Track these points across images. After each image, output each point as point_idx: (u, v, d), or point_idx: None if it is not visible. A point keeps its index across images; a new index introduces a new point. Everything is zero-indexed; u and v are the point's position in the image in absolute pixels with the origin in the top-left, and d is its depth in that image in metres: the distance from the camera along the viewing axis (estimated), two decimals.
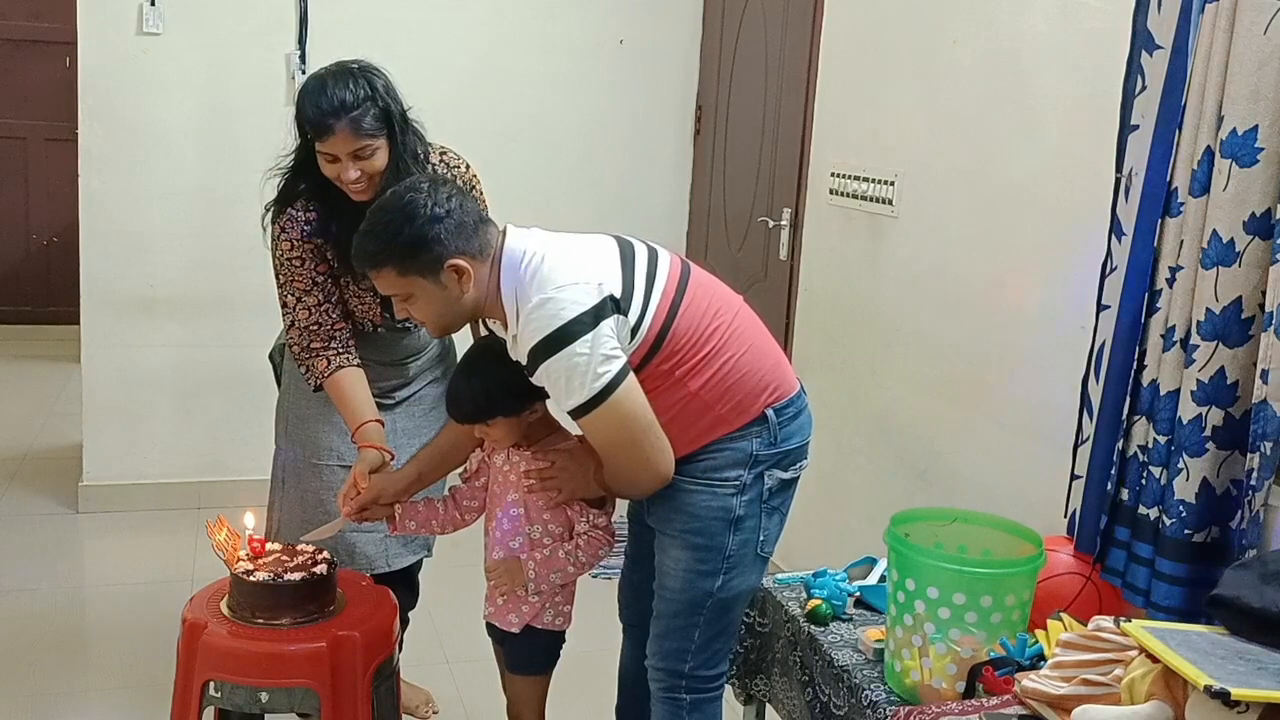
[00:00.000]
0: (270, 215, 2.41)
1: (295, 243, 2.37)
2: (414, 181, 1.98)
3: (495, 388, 2.08)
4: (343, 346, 2.40)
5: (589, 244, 1.98)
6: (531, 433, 2.16)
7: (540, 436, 2.17)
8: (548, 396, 2.00)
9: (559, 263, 1.89)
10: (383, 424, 2.37)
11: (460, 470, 2.33)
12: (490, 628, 2.28)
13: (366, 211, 1.97)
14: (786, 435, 2.02)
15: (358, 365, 2.40)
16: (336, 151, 2.23)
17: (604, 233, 2.04)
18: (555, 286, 1.86)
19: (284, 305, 2.42)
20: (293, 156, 2.36)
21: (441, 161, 2.45)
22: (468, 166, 2.50)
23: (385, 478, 2.27)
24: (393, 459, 2.34)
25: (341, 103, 2.20)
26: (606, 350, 1.84)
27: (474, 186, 2.48)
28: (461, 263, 1.90)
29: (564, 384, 1.86)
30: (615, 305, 1.87)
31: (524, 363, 1.91)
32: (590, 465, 2.07)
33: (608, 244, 1.99)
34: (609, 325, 1.85)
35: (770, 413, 1.99)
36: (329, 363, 2.38)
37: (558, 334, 1.83)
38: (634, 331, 1.90)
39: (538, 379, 1.91)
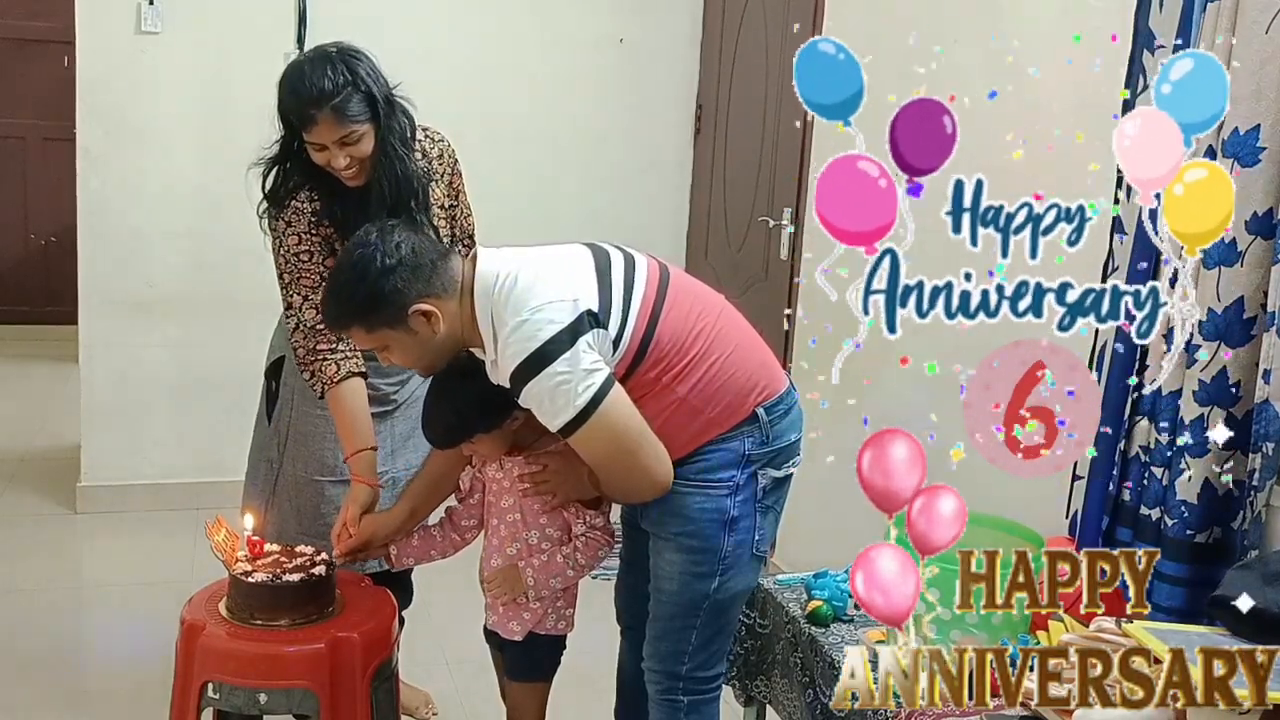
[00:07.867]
0: (269, 215, 2.35)
1: (303, 235, 2.32)
2: (363, 235, 1.94)
3: (466, 407, 2.04)
4: (350, 349, 2.33)
5: (562, 259, 1.95)
6: (520, 439, 2.13)
7: (530, 441, 2.13)
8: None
9: (532, 283, 1.87)
10: (376, 449, 2.32)
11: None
12: (489, 634, 2.27)
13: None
14: (778, 433, 2.00)
15: (363, 371, 2.36)
16: (322, 140, 2.20)
17: (578, 242, 2.01)
18: (530, 308, 1.84)
19: (289, 306, 2.36)
20: (278, 147, 2.31)
21: (426, 137, 2.44)
22: (449, 144, 2.49)
23: (377, 519, 2.24)
24: (381, 488, 2.31)
25: (321, 91, 2.17)
26: (587, 365, 1.83)
27: (455, 163, 2.48)
28: (426, 306, 1.89)
29: (549, 404, 1.85)
30: (593, 320, 1.86)
31: (507, 387, 1.88)
32: (583, 466, 2.05)
33: (582, 256, 1.96)
34: (587, 340, 1.84)
35: (760, 411, 1.98)
36: (338, 367, 2.31)
37: (536, 355, 1.82)
38: (615, 343, 1.89)
39: (523, 402, 1.88)
